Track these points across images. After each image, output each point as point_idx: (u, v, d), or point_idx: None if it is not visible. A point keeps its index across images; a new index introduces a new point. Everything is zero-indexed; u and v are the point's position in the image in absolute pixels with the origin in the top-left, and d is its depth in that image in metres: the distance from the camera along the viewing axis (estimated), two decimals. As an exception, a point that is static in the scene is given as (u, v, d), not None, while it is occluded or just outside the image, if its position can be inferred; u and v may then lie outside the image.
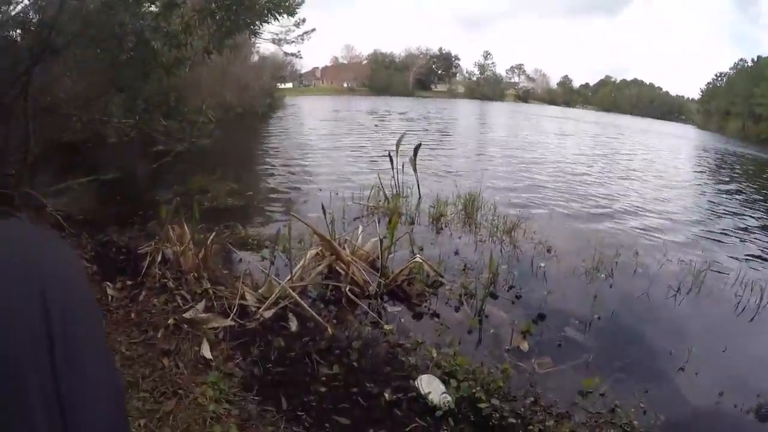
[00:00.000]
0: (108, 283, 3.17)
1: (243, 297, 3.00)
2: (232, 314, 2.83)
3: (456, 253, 4.73)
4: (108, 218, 4.48)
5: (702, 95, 63.66)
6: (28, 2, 5.24)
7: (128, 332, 2.62)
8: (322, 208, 4.06)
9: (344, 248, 3.62)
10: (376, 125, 17.00)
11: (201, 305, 2.90)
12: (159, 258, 3.38)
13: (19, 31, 5.29)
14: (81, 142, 6.50)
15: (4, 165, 4.98)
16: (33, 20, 5.22)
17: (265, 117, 11.21)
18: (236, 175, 5.83)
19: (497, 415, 2.37)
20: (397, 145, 6.42)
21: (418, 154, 6.55)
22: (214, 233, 3.51)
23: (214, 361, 2.41)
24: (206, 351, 2.46)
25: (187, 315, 2.79)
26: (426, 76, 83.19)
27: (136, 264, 3.45)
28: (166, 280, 3.15)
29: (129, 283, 3.22)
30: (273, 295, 3.01)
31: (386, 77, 73.34)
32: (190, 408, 2.08)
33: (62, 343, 0.58)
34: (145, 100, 5.47)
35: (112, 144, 6.67)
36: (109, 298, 3.00)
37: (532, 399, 2.62)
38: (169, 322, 2.68)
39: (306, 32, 21.88)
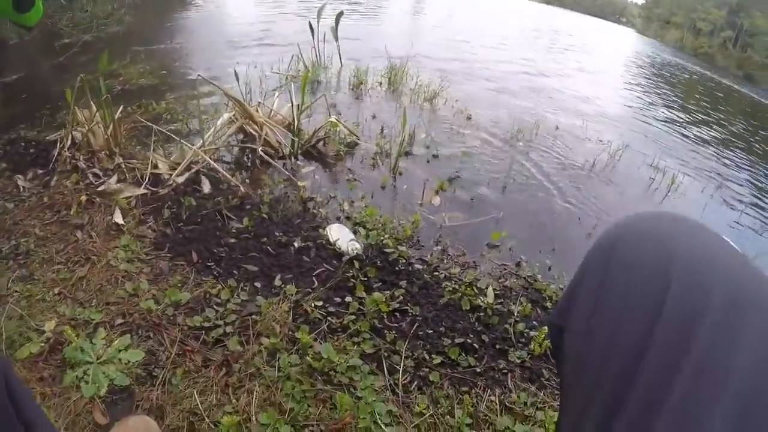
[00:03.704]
0: (19, 175, 3.07)
1: (155, 166, 2.96)
2: (144, 183, 2.81)
3: (374, 117, 4.74)
4: (14, 118, 4.22)
5: (647, 1, 63.91)
6: None
7: (41, 216, 2.57)
8: (235, 75, 3.93)
9: (258, 111, 3.56)
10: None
11: (113, 179, 2.85)
12: (69, 142, 3.26)
13: None
14: (-22, 48, 6.01)
15: None
16: None
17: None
18: (149, 56, 5.52)
19: (404, 260, 2.51)
20: (318, 13, 6.14)
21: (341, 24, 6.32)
22: (121, 107, 3.37)
23: (126, 226, 2.42)
24: (118, 218, 2.46)
25: (99, 189, 2.76)
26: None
27: (47, 153, 3.32)
28: (76, 161, 3.07)
29: (40, 172, 3.11)
30: (185, 161, 2.98)
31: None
32: (102, 271, 2.11)
33: None
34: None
35: (13, 45, 6.19)
36: (21, 189, 2.91)
37: (440, 248, 2.78)
38: (81, 198, 2.64)
39: None
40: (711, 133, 7.76)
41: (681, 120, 8.16)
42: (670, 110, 8.84)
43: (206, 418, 1.54)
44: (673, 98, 10.31)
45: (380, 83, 5.88)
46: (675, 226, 0.57)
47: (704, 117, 9.05)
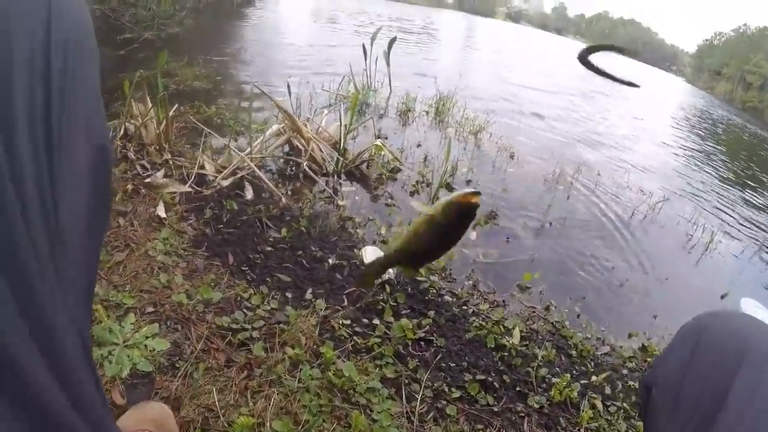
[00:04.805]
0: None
1: (202, 167, 3.03)
2: (189, 181, 2.87)
3: (419, 145, 4.78)
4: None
5: (698, 50, 63.58)
6: None
7: (87, 199, 2.64)
8: (288, 88, 4.02)
9: (306, 126, 3.63)
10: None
11: (160, 173, 2.92)
12: (121, 132, 3.35)
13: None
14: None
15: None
16: None
17: (242, 6, 10.79)
18: (206, 61, 5.69)
19: (434, 291, 2.52)
20: (373, 38, 6.26)
21: (393, 51, 6.43)
22: (176, 106, 3.49)
23: (168, 220, 2.47)
24: (161, 211, 2.52)
25: (146, 181, 2.83)
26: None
27: (100, 140, 3.42)
28: (126, 151, 3.15)
29: (91, 157, 3.20)
30: (231, 165, 3.04)
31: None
32: (139, 259, 2.15)
33: (60, 73, 0.57)
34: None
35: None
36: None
37: (471, 283, 2.78)
38: (127, 187, 2.71)
39: None
40: (755, 194, 7.59)
41: (725, 179, 8.03)
42: (715, 168, 8.70)
43: (221, 417, 1.55)
44: (720, 155, 10.14)
45: (427, 112, 5.95)
46: (752, 330, 0.71)
47: (750, 177, 8.86)
